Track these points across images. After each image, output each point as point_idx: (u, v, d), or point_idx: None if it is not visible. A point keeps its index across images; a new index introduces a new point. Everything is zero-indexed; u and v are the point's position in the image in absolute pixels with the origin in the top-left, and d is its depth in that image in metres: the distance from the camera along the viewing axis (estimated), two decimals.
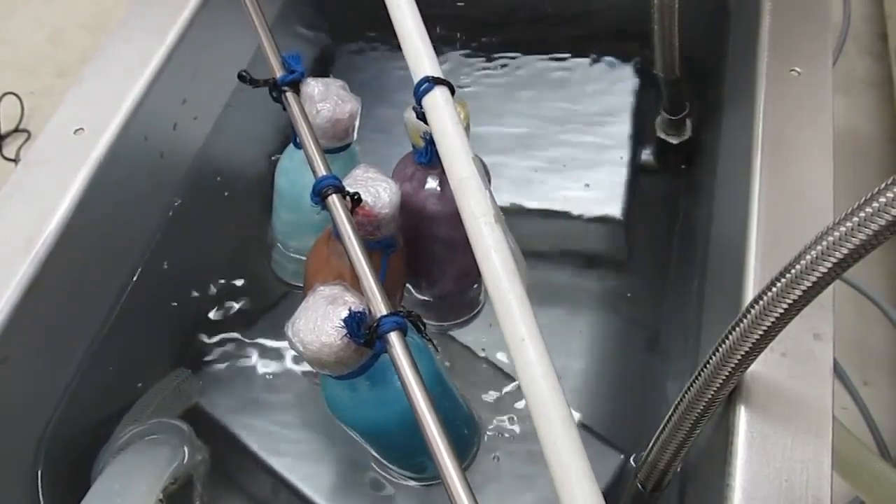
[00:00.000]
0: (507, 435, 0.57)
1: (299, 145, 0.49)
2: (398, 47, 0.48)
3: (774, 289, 0.34)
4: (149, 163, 0.62)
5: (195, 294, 0.66)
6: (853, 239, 0.30)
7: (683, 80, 0.66)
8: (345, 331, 0.39)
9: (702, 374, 0.39)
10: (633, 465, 0.55)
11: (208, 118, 0.68)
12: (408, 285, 0.62)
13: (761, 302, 0.35)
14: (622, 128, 0.75)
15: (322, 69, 0.82)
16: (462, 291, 0.62)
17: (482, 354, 0.61)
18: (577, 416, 0.60)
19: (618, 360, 0.63)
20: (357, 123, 0.55)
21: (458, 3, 0.83)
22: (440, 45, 0.48)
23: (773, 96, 0.54)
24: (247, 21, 0.53)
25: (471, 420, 0.56)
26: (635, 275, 0.68)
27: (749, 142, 0.52)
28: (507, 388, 0.59)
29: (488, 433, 0.57)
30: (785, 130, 0.52)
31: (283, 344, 0.63)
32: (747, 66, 0.58)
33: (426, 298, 0.62)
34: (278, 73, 0.51)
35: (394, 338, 0.38)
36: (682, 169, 0.73)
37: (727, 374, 0.38)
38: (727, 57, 0.69)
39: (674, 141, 0.72)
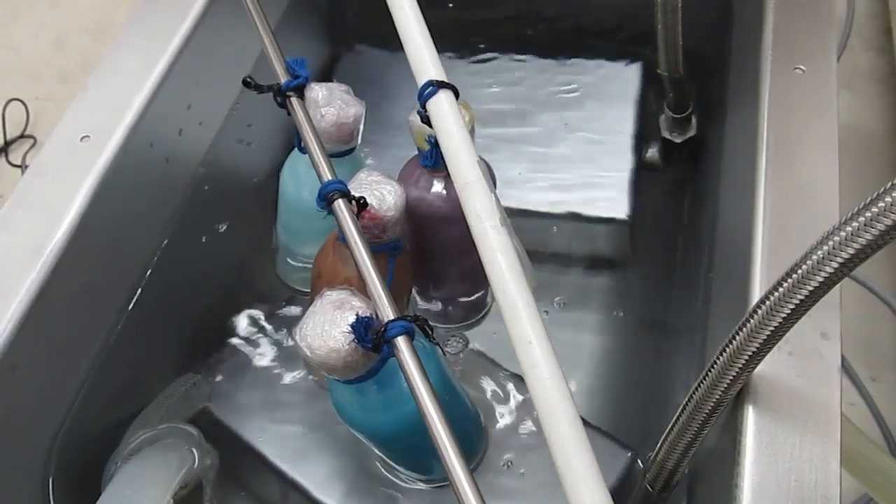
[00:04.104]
0: (514, 435, 0.57)
1: (304, 150, 0.49)
2: (402, 51, 0.48)
3: (781, 289, 0.34)
4: (154, 169, 0.62)
5: (202, 299, 0.67)
6: (859, 239, 0.30)
7: (687, 79, 0.66)
8: (352, 336, 0.39)
9: (709, 374, 0.39)
10: (641, 465, 0.55)
11: (213, 124, 0.68)
12: (413, 290, 0.62)
13: (768, 302, 0.35)
14: (626, 127, 0.75)
15: (326, 73, 0.82)
16: (468, 294, 0.62)
17: (489, 356, 0.61)
18: (584, 414, 0.60)
19: (625, 359, 0.63)
20: (361, 127, 0.55)
21: (460, 2, 0.83)
22: (442, 46, 0.48)
23: (778, 94, 0.54)
24: (250, 26, 0.53)
25: (478, 421, 0.57)
26: (641, 274, 0.68)
27: (754, 140, 0.52)
28: (514, 390, 0.59)
29: (496, 434, 0.57)
30: (790, 128, 0.52)
31: (290, 348, 0.63)
32: (751, 63, 0.57)
33: (432, 306, 0.63)
34: (282, 78, 0.51)
35: (401, 342, 0.38)
36: (687, 167, 0.73)
37: (735, 373, 0.38)
38: (731, 55, 0.69)
39: (678, 140, 0.72)
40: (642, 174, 0.72)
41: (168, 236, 0.63)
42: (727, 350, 0.38)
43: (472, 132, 0.50)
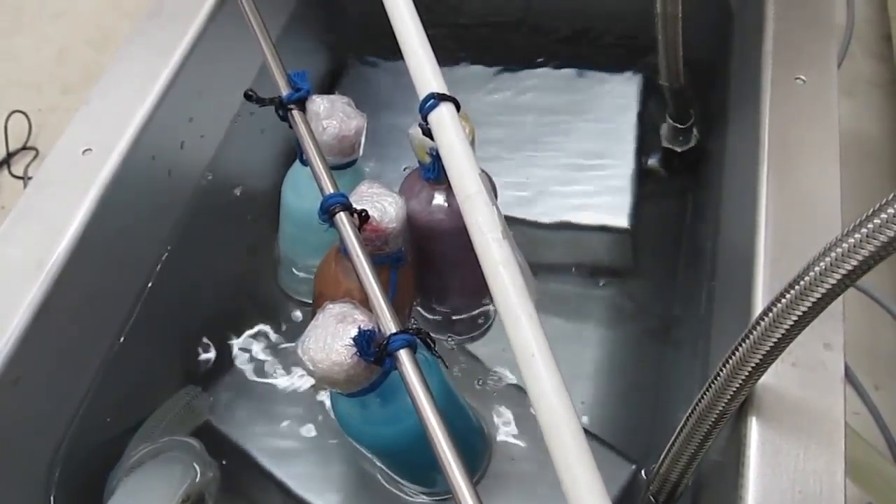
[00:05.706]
0: (517, 448, 0.57)
1: (306, 162, 0.49)
2: (403, 63, 0.48)
3: (784, 300, 0.34)
4: (157, 182, 0.62)
5: (204, 311, 0.67)
6: (862, 250, 0.30)
7: (688, 89, 0.66)
8: (354, 349, 0.39)
9: (712, 385, 0.39)
10: (645, 476, 0.55)
11: (215, 136, 0.69)
12: (416, 302, 0.62)
13: (771, 313, 0.35)
14: (627, 137, 0.75)
15: (327, 86, 0.82)
16: (471, 306, 0.62)
17: (492, 369, 0.61)
18: (587, 426, 0.60)
19: (627, 370, 0.63)
20: (363, 139, 0.55)
21: (462, 14, 0.83)
22: (443, 58, 0.48)
23: (779, 104, 0.54)
24: (252, 38, 0.53)
25: (481, 434, 0.56)
26: (643, 284, 0.68)
27: (755, 149, 0.52)
28: (517, 402, 0.59)
29: (498, 446, 0.57)
30: (791, 138, 0.52)
31: (292, 360, 0.63)
32: (752, 73, 0.58)
33: (436, 317, 0.62)
34: (284, 90, 0.51)
35: (403, 355, 0.38)
36: (688, 177, 0.73)
37: (738, 385, 0.38)
38: (731, 64, 0.69)
39: (679, 149, 0.72)
40: (644, 184, 0.72)
41: (170, 249, 0.63)
42: (730, 361, 0.38)
43: (472, 144, 0.50)
